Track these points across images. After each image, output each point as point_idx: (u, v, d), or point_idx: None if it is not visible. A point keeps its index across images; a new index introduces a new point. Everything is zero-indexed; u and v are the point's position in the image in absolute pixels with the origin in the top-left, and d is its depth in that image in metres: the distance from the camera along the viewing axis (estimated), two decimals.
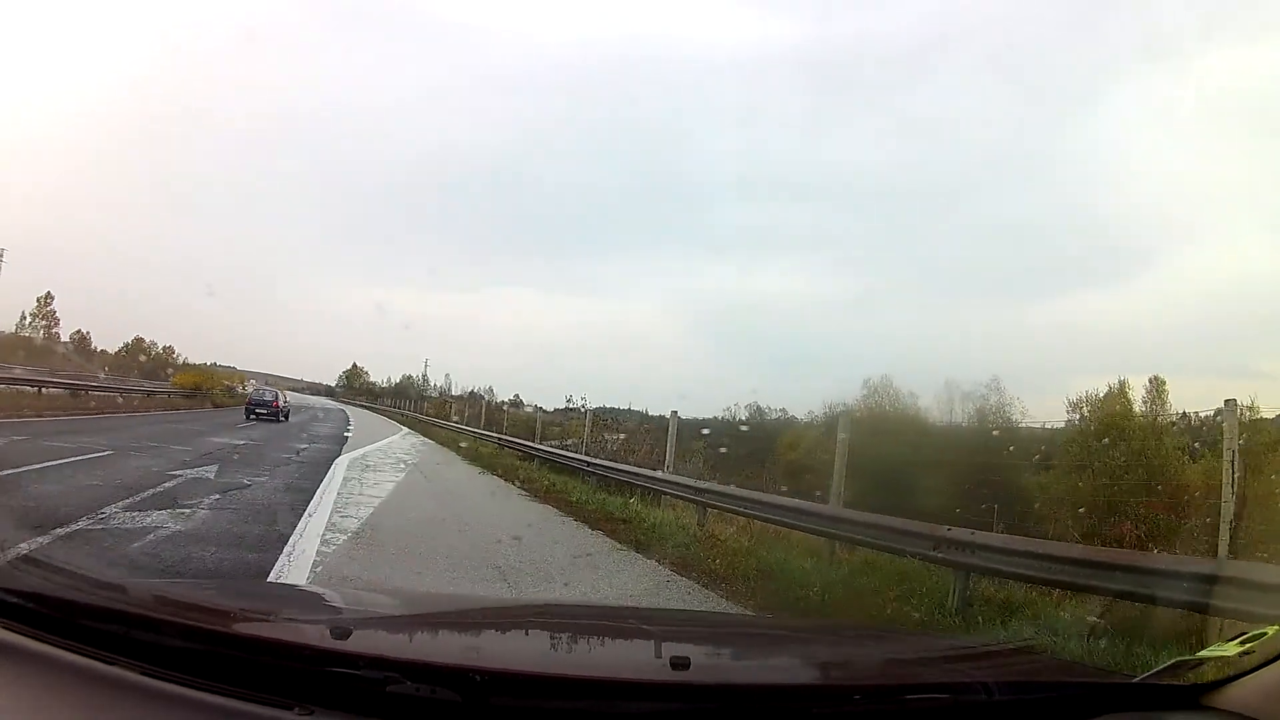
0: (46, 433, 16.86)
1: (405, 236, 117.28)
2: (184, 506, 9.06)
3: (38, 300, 54.54)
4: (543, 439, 22.98)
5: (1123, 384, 17.42)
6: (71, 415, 23.92)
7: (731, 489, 11.16)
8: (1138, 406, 17.32)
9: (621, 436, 20.45)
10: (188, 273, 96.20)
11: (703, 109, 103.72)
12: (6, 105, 76.65)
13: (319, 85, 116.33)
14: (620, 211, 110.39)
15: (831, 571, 8.20)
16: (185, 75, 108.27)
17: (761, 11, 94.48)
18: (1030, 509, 12.98)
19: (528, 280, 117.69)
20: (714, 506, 11.09)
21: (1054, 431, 16.11)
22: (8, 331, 51.13)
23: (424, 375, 73.44)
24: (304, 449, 20.11)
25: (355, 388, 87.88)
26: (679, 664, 1.61)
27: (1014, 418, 16.75)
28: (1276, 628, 1.60)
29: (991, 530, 8.66)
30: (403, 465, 19.08)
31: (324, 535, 8.21)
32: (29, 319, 55.26)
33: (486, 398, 45.71)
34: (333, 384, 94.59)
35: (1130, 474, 13.30)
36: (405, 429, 39.48)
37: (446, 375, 73.13)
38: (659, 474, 13.54)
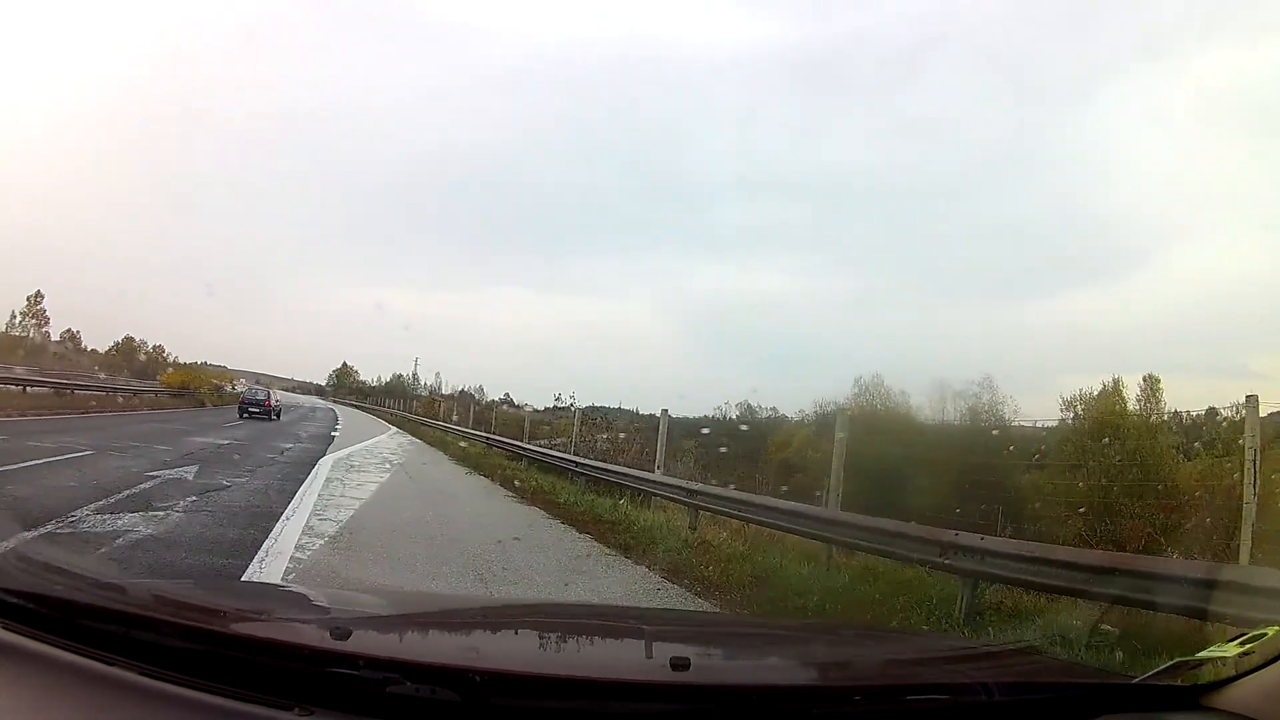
0: (28, 432, 16.73)
1: (400, 236, 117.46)
2: (158, 509, 8.82)
3: (28, 299, 54.32)
4: (531, 438, 22.79)
5: (1117, 382, 17.30)
6: (56, 415, 23.72)
7: (725, 491, 10.91)
8: (1131, 405, 17.22)
9: (613, 435, 20.15)
10: (180, 272, 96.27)
11: (700, 109, 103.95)
12: (4, 105, 76.34)
13: (315, 85, 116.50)
14: (615, 211, 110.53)
15: (830, 578, 7.97)
16: (183, 75, 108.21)
17: (758, 11, 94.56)
18: (1027, 509, 12.84)
19: (521, 280, 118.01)
20: (706, 509, 10.83)
21: (1046, 430, 15.95)
22: None
23: (414, 374, 73.35)
24: (289, 448, 19.93)
25: (345, 387, 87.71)
26: (679, 664, 1.61)
27: (1006, 416, 16.62)
28: (1276, 628, 1.59)
29: (995, 534, 8.47)
30: (388, 466, 18.86)
31: (300, 540, 7.98)
32: (19, 318, 55.05)
33: (477, 396, 45.65)
34: (323, 383, 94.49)
35: (1127, 473, 13.15)
36: (394, 428, 39.30)
37: (437, 374, 73.10)
38: (650, 475, 13.27)
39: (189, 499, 9.71)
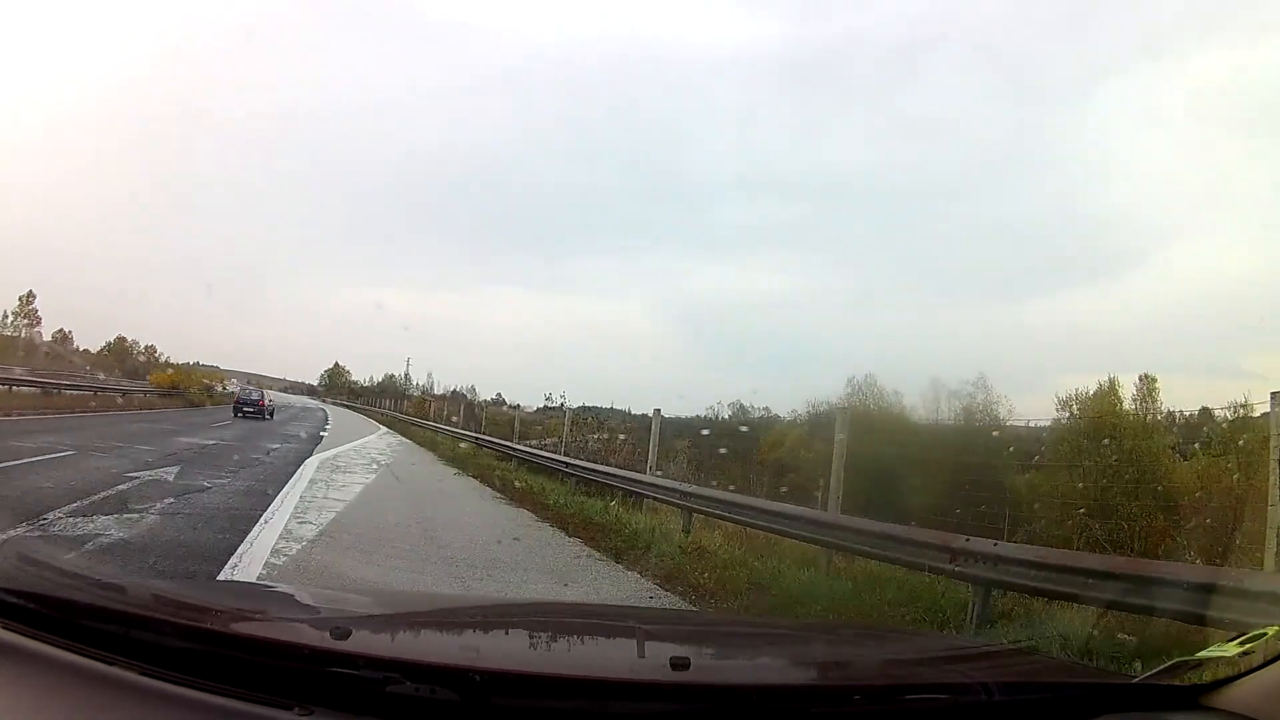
0: (10, 433, 16.45)
1: (397, 236, 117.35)
2: (133, 511, 8.58)
3: (19, 299, 54.48)
4: (522, 438, 22.56)
5: (1113, 381, 17.15)
6: (42, 415, 23.35)
7: (720, 493, 10.60)
8: (1127, 405, 17.09)
9: (602, 436, 19.90)
10: (175, 272, 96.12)
11: (699, 108, 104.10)
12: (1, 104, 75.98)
13: (313, 84, 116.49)
14: (613, 211, 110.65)
15: (833, 585, 7.65)
16: (182, 75, 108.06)
17: (758, 11, 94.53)
18: (1022, 510, 12.66)
19: (519, 280, 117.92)
20: (701, 512, 10.54)
21: (1039, 430, 15.76)
22: None
23: (406, 374, 73.16)
24: (275, 448, 19.71)
25: (337, 387, 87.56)
26: (679, 664, 1.62)
27: (1001, 416, 16.46)
28: (1276, 628, 1.58)
29: (1003, 538, 8.20)
30: (375, 466, 18.63)
31: (276, 545, 7.74)
32: (10, 318, 55.10)
33: (469, 396, 45.46)
34: (315, 383, 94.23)
35: (1124, 474, 12.98)
36: (384, 428, 39.11)
37: (429, 374, 73.10)
38: (642, 476, 12.89)
39: (166, 501, 9.46)
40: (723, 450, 16.97)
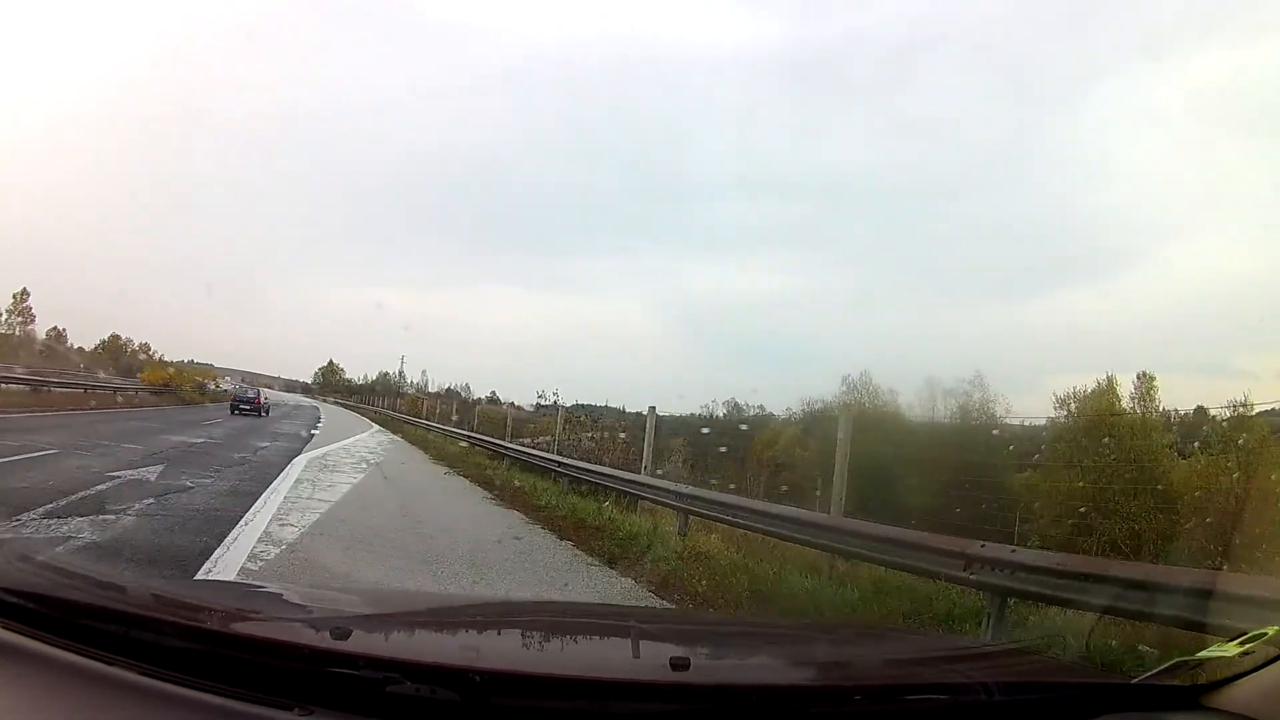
0: None
1: (391, 236, 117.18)
2: (110, 513, 8.32)
3: (13, 296, 54.31)
4: (515, 437, 22.31)
5: (1110, 380, 17.09)
6: (30, 413, 22.98)
7: (718, 495, 10.29)
8: (1125, 404, 17.05)
9: (596, 435, 19.64)
10: (170, 271, 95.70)
11: (698, 108, 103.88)
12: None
13: (312, 84, 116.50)
14: (612, 211, 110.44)
15: (838, 592, 7.37)
16: (181, 75, 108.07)
17: (757, 11, 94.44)
18: (1019, 509, 12.53)
19: (517, 279, 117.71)
20: (699, 514, 10.19)
21: (1033, 429, 15.67)
22: None
23: (400, 372, 72.95)
24: (264, 447, 19.43)
25: (332, 385, 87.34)
26: (678, 664, 1.62)
27: (998, 414, 16.36)
28: (1276, 628, 1.58)
29: (1014, 541, 7.92)
30: (364, 465, 18.19)
31: (254, 549, 7.48)
32: (3, 315, 54.94)
33: (463, 394, 45.28)
34: (309, 381, 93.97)
35: (1124, 473, 12.86)
36: (376, 426, 38.82)
37: (423, 372, 72.81)
38: (637, 477, 12.55)
39: (145, 502, 9.18)
40: (723, 449, 16.80)
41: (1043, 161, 78.29)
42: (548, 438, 20.68)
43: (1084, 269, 64.73)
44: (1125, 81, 70.97)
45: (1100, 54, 68.27)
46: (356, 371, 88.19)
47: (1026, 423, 16.30)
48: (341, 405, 66.79)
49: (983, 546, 6.03)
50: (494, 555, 8.67)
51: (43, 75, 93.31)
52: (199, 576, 6.27)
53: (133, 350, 63.04)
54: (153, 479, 11.19)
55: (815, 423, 19.28)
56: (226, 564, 6.77)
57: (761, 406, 24.57)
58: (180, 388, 45.92)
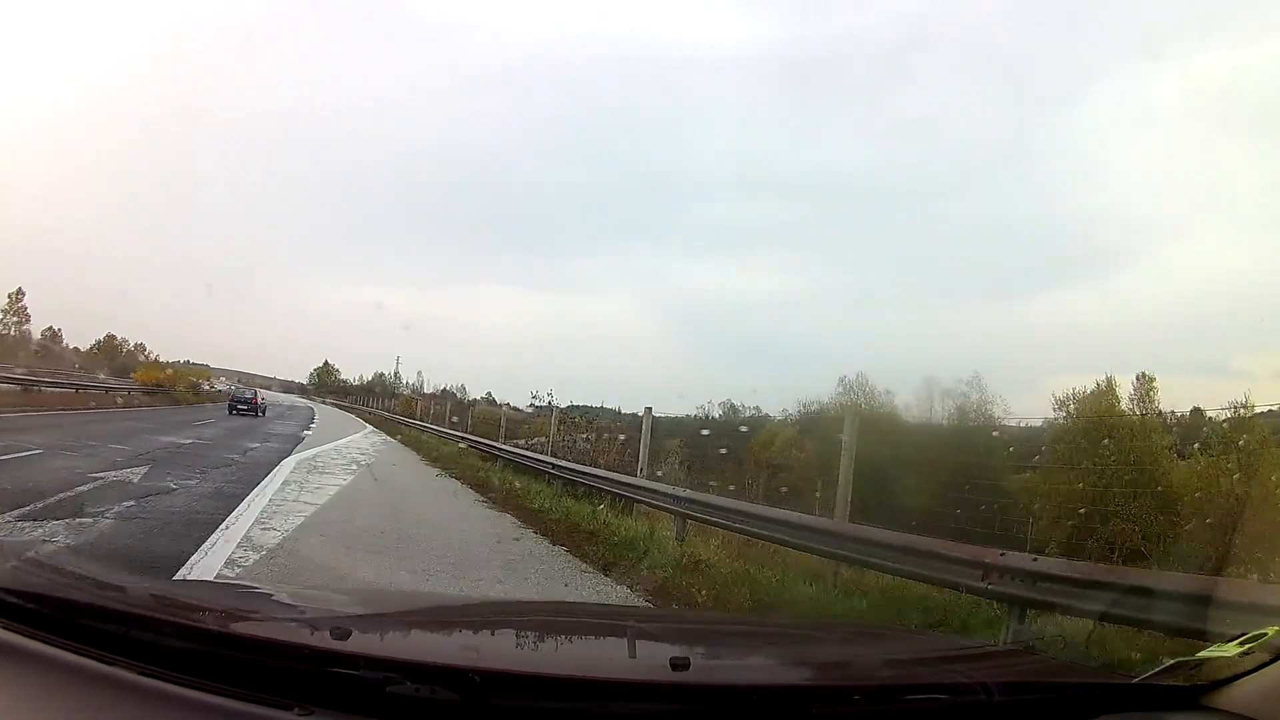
0: None
1: (388, 235, 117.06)
2: (87, 516, 8.15)
3: (9, 296, 54.48)
4: (509, 438, 22.10)
5: (1110, 381, 16.97)
6: (20, 413, 22.79)
7: (719, 499, 9.95)
8: (1125, 404, 16.95)
9: (591, 436, 19.38)
10: (166, 272, 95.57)
11: (696, 109, 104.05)
12: None
13: (310, 85, 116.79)
14: (610, 211, 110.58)
15: (845, 601, 7.13)
16: (179, 75, 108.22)
17: (757, 10, 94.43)
18: (1018, 510, 12.40)
19: (516, 279, 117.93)
20: (697, 519, 9.87)
21: (1030, 430, 15.52)
22: None
23: (395, 373, 72.90)
24: (253, 448, 19.26)
25: (327, 386, 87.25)
26: (678, 664, 1.61)
27: (996, 415, 16.22)
28: (1276, 628, 1.57)
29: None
30: (354, 466, 17.94)
31: (233, 555, 7.27)
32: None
33: (458, 395, 45.17)
34: (304, 382, 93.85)
35: (1123, 474, 12.73)
36: (370, 427, 38.60)
37: (418, 373, 72.77)
38: (633, 480, 12.25)
39: (125, 504, 9.00)
40: (723, 450, 16.60)
41: (1042, 161, 78.42)
42: (542, 439, 20.46)
43: (1083, 269, 64.83)
44: (1125, 81, 71.09)
45: (1100, 54, 68.43)
46: (352, 372, 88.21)
47: (1023, 424, 16.13)
48: (337, 406, 66.63)
49: (1002, 555, 5.75)
50: (483, 562, 8.40)
51: (42, 75, 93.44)
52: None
53: (128, 350, 62.99)
54: (136, 480, 11.03)
55: (812, 424, 19.14)
56: (203, 569, 6.58)
57: (757, 408, 24.45)
58: (173, 388, 45.77)
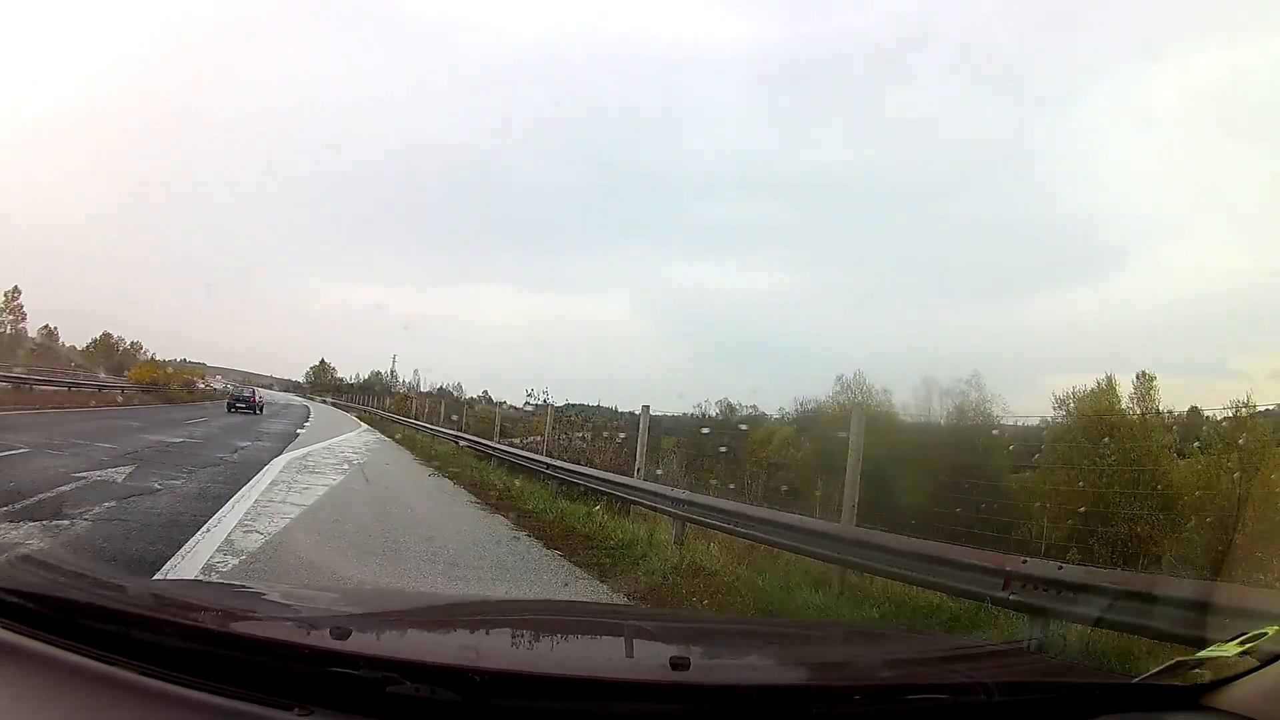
0: None
1: (386, 235, 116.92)
2: (65, 517, 7.95)
3: (5, 295, 54.24)
4: (504, 436, 21.88)
5: (1110, 380, 16.87)
6: (11, 410, 22.56)
7: (719, 502, 9.60)
8: (1124, 403, 16.89)
9: (586, 435, 19.17)
10: (164, 270, 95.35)
11: (694, 108, 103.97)
12: None
13: (309, 84, 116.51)
14: (607, 211, 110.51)
15: (854, 610, 6.84)
16: (177, 75, 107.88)
17: (754, 10, 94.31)
18: (1017, 510, 12.26)
19: (510, 279, 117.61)
20: (697, 522, 9.53)
21: (1027, 429, 15.35)
22: None
23: (392, 371, 72.67)
24: (244, 447, 19.02)
25: (323, 384, 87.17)
26: (678, 664, 1.61)
27: (995, 415, 16.07)
28: (1277, 628, 1.57)
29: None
30: (346, 466, 17.64)
31: (211, 559, 7.05)
32: None
33: (455, 394, 45.03)
34: (301, 380, 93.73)
35: (1123, 473, 12.61)
36: (364, 425, 38.39)
37: (415, 371, 72.41)
38: (629, 480, 11.92)
39: (106, 505, 8.79)
40: (723, 449, 16.44)
41: (1041, 161, 78.38)
42: (537, 437, 20.25)
43: (1082, 269, 64.84)
44: (1124, 81, 71.03)
45: (1099, 54, 68.40)
46: (349, 371, 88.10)
47: (1019, 423, 15.96)
48: (333, 404, 66.57)
49: (1024, 563, 5.49)
50: (475, 567, 8.19)
51: (42, 74, 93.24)
52: None
53: (124, 349, 62.80)
54: (119, 480, 10.84)
55: (810, 422, 18.98)
56: (180, 574, 6.34)
57: (754, 406, 24.19)
58: (167, 386, 45.60)
